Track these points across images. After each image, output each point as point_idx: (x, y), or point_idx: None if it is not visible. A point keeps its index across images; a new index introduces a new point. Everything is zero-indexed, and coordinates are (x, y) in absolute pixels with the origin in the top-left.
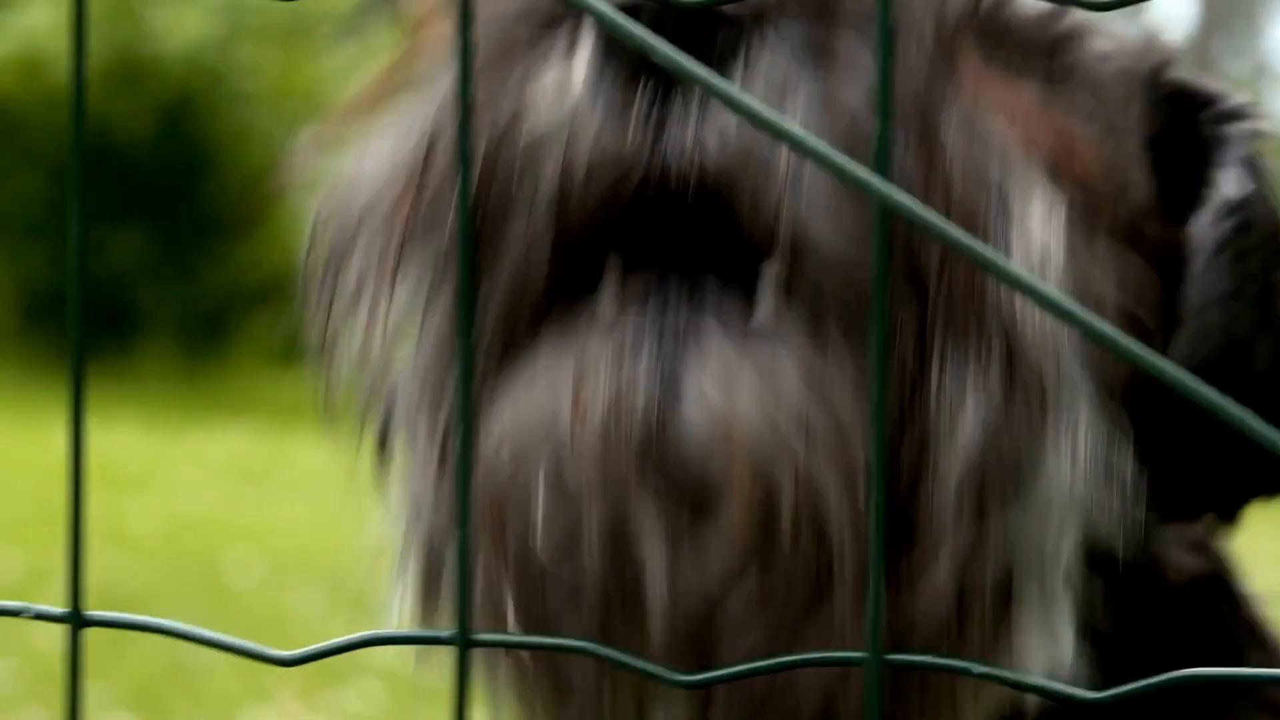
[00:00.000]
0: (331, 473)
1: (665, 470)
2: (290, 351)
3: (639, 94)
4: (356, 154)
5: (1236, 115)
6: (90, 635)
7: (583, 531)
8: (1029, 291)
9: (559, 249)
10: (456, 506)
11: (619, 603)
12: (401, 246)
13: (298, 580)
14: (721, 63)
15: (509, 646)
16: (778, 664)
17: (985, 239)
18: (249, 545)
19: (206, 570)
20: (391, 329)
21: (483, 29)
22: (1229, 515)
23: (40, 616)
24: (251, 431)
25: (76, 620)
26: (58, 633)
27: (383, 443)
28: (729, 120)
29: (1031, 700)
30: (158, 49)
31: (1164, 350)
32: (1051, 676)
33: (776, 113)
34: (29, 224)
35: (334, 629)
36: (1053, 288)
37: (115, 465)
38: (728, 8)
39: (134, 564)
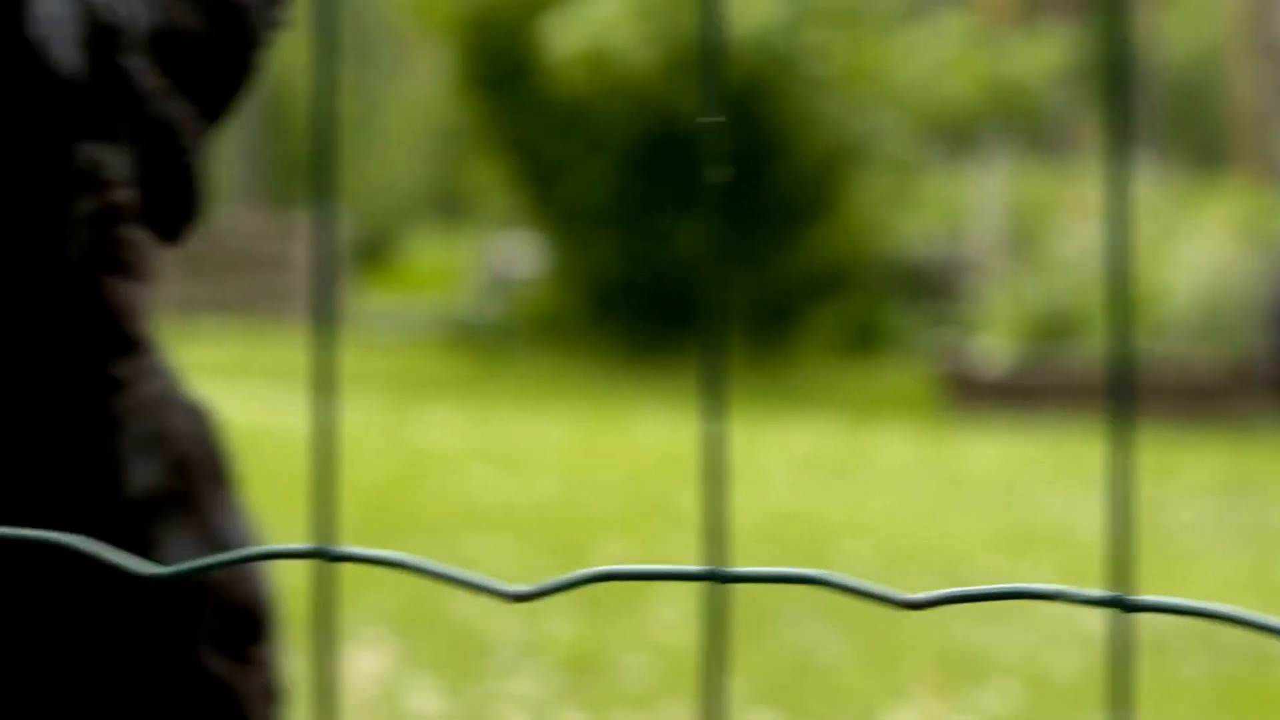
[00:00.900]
0: (919, 467)
1: None
2: (858, 342)
3: None
4: None
5: None
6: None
7: None
8: None
9: None
10: None
11: None
12: None
13: (909, 574)
14: None
15: None
16: None
17: None
18: (854, 539)
19: (814, 564)
20: None
21: None
22: None
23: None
24: (828, 424)
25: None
26: (685, 628)
27: None
28: None
29: None
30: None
31: None
32: None
33: None
34: (598, 214)
35: (957, 625)
36: None
37: (695, 455)
38: None
39: (737, 558)
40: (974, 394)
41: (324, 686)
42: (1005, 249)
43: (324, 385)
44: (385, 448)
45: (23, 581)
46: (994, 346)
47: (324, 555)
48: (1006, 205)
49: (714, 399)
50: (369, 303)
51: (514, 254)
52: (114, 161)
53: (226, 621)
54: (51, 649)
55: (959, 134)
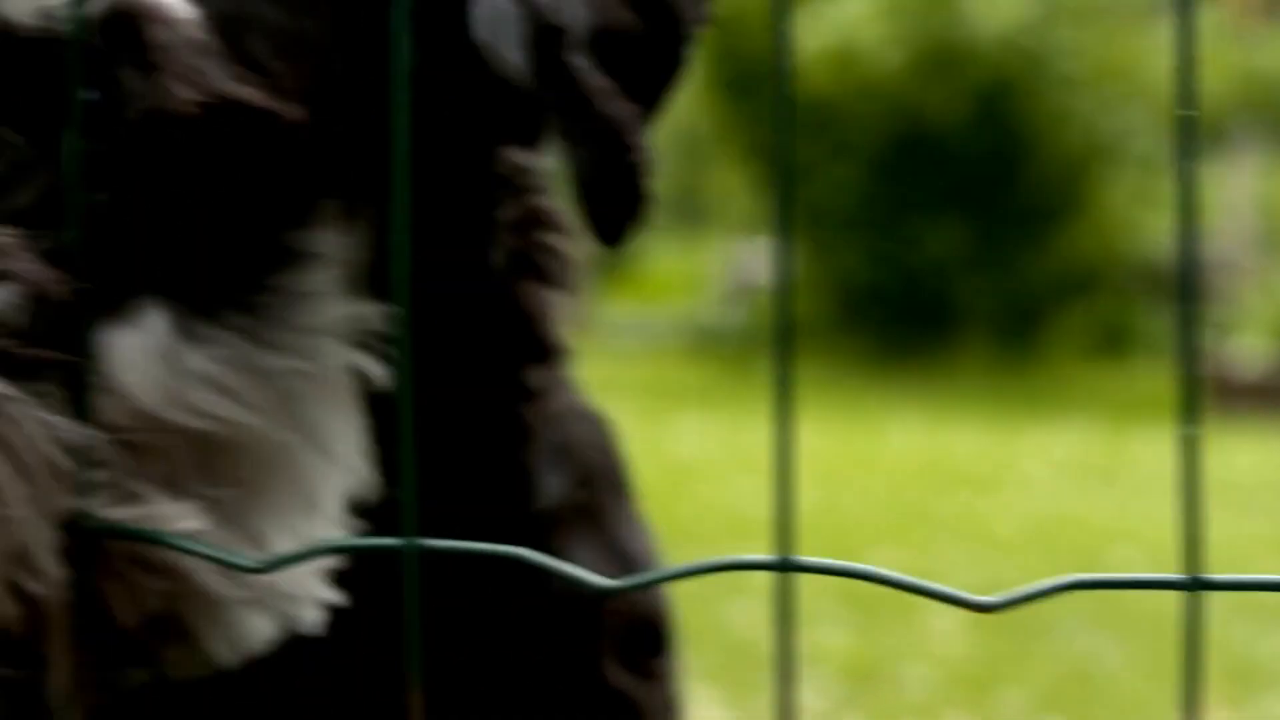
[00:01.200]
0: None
1: None
2: (1109, 344)
3: None
4: None
5: None
6: (995, 641)
7: None
8: None
9: None
10: None
11: None
12: None
13: None
14: None
15: None
16: None
17: None
18: (1125, 544)
19: (1087, 570)
20: None
21: None
22: None
23: None
24: (1085, 427)
25: None
26: (959, 637)
27: None
28: None
29: None
30: (973, 34)
31: None
32: None
33: None
34: (844, 217)
35: (1240, 633)
36: None
37: (959, 463)
38: None
39: (1007, 564)
40: (1231, 396)
41: (784, 700)
42: (1257, 247)
43: (781, 401)
44: (642, 457)
45: (443, 592)
46: (1250, 348)
47: (787, 566)
48: (1258, 202)
49: (1192, 402)
50: (611, 311)
51: (758, 260)
52: (536, 166)
53: (629, 634)
54: (463, 658)
55: (1209, 131)
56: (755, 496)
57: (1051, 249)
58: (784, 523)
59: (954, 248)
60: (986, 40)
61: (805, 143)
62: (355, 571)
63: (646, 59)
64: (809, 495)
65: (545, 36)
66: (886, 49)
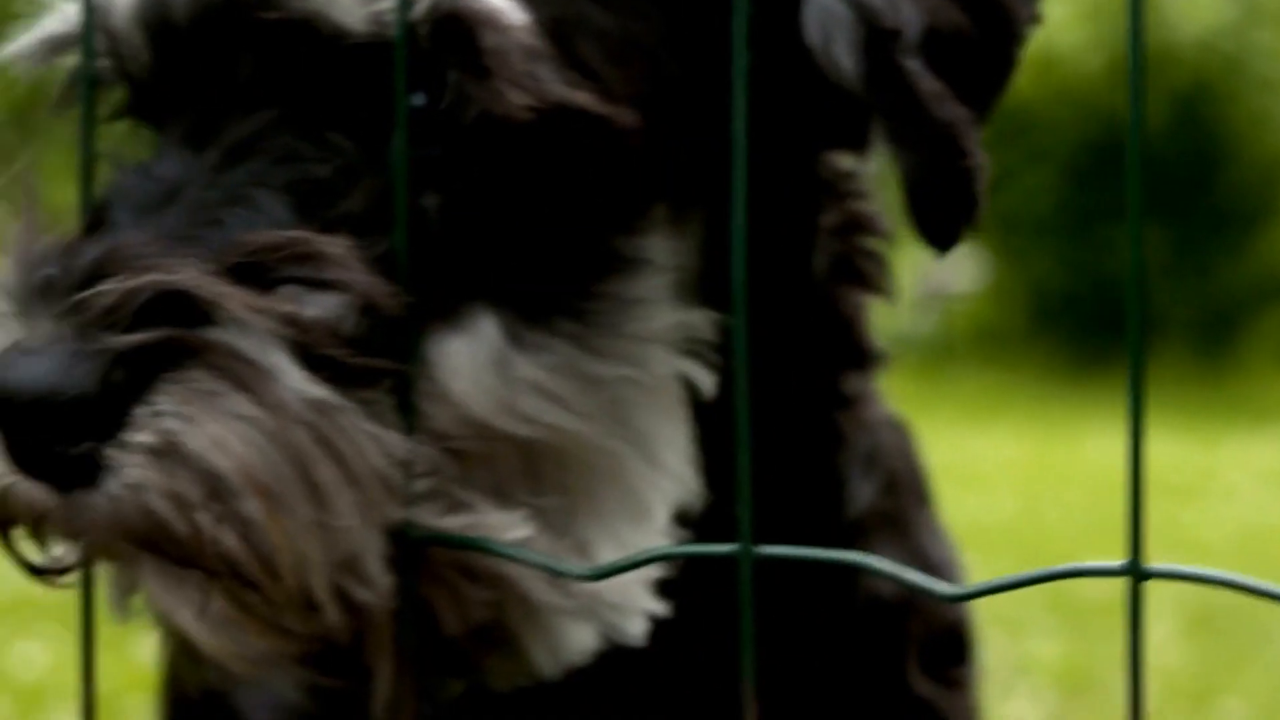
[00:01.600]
0: None
1: None
2: None
3: None
4: None
5: None
6: (1212, 650)
7: None
8: None
9: None
10: None
11: None
12: None
13: None
14: None
15: None
16: None
17: None
18: None
19: None
20: None
21: None
22: None
23: None
24: None
25: None
26: (1173, 646)
27: None
28: None
29: None
30: (1172, 37)
31: None
32: None
33: None
34: (1038, 224)
35: None
36: None
37: (1159, 472)
38: None
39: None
40: None
41: (1135, 706)
42: None
43: (1134, 412)
44: None
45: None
46: None
47: (1137, 573)
48: None
49: None
50: None
51: (950, 267)
52: (857, 170)
53: (933, 643)
54: (778, 665)
55: None
56: (949, 504)
57: (1250, 254)
58: (1135, 530)
59: (1150, 254)
60: (1185, 43)
61: (1000, 149)
62: (672, 581)
63: (978, 61)
64: (1009, 504)
65: (878, 39)
66: (1086, 53)
